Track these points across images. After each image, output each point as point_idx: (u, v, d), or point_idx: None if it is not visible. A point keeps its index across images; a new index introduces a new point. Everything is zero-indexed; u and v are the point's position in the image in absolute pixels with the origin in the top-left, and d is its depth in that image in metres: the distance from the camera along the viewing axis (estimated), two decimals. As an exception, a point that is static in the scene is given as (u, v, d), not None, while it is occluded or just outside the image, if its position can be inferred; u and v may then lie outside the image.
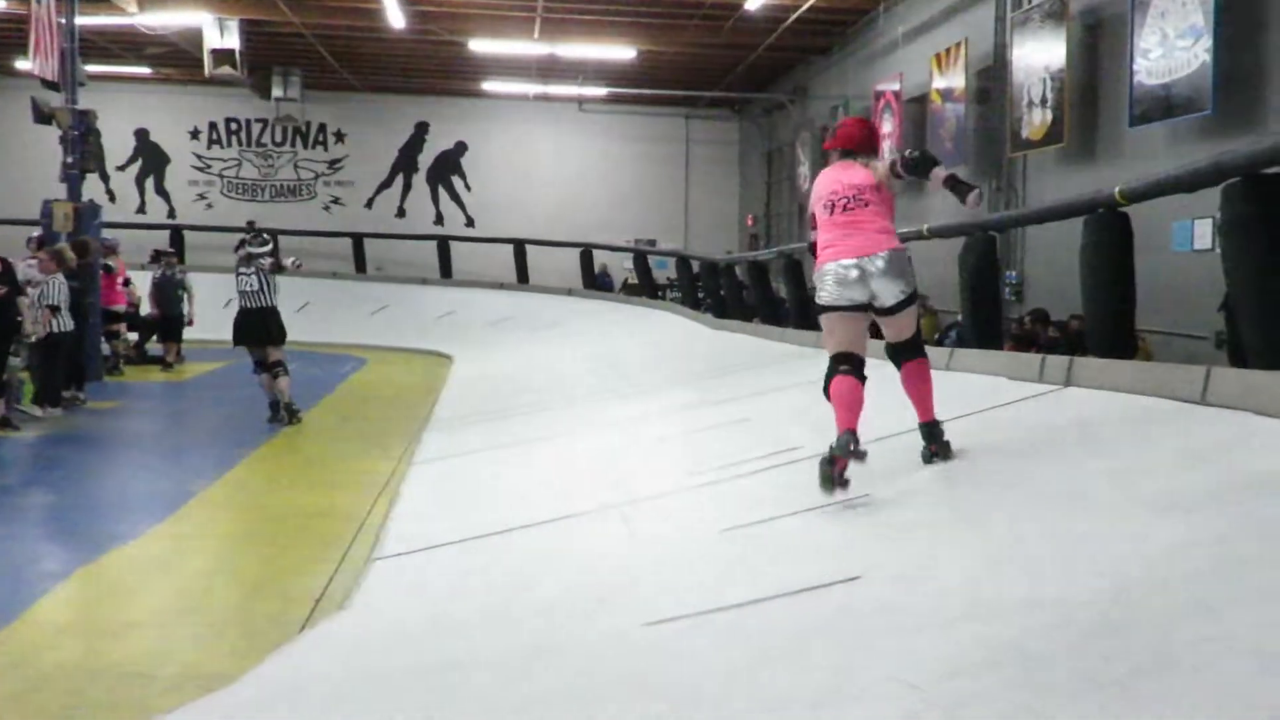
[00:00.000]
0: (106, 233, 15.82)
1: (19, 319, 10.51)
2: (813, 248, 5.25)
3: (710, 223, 26.63)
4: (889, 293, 5.05)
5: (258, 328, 11.12)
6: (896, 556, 4.00)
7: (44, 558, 6.46)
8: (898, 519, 4.52)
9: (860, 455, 4.86)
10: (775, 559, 4.37)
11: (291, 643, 4.80)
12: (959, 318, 11.40)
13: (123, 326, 15.69)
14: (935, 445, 5.30)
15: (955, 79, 15.77)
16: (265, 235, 12.00)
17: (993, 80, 15.07)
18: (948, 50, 15.96)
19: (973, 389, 6.61)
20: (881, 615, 3.26)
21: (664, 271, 23.40)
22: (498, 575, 5.36)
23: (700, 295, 18.11)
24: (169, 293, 15.84)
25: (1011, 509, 4.31)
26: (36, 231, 14.16)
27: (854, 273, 5.01)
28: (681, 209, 26.87)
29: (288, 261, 11.36)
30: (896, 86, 17.74)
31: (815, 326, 12.95)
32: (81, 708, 4.33)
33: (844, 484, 4.87)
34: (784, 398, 8.52)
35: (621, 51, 20.82)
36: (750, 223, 26.12)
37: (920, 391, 5.27)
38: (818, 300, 5.19)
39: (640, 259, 21.57)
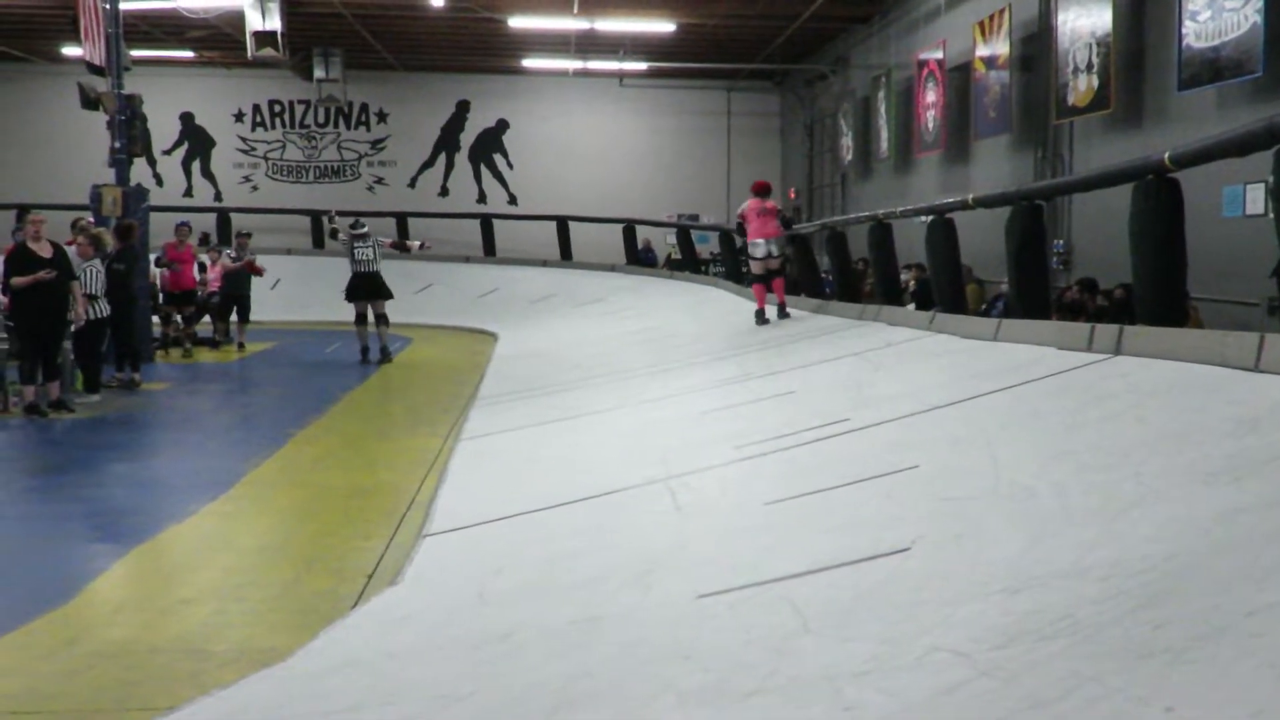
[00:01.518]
0: (171, 216, 16.00)
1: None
2: (743, 232, 12.41)
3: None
4: (777, 252, 12.08)
5: (371, 288, 14.96)
6: (944, 527, 3.99)
7: (100, 536, 6.57)
8: (945, 490, 4.51)
9: (765, 321, 12.17)
10: (823, 531, 4.37)
11: (345, 618, 4.86)
12: (1004, 287, 11.31)
13: (180, 308, 15.85)
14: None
15: (999, 46, 15.59)
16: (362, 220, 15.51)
17: (1037, 46, 14.89)
18: (991, 17, 15.77)
19: (1021, 358, 6.56)
20: (929, 586, 3.26)
21: (706, 246, 23.35)
22: (546, 549, 5.39)
23: (744, 269, 18.06)
24: (237, 274, 15.99)
25: (1060, 478, 4.28)
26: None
27: (766, 246, 12.11)
28: (724, 183, 26.77)
29: (414, 243, 16.07)
30: (939, 55, 17.56)
31: (860, 298, 12.90)
32: (139, 682, 4.41)
33: (765, 322, 11.97)
34: (828, 370, 8.50)
35: (661, 25, 20.73)
36: (793, 195, 26.01)
37: (779, 290, 12.31)
38: (751, 253, 12.31)
39: (683, 234, 21.55)
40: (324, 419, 10.47)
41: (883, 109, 19.94)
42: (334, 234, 15.03)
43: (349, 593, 5.30)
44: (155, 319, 15.43)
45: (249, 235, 17.69)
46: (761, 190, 12.42)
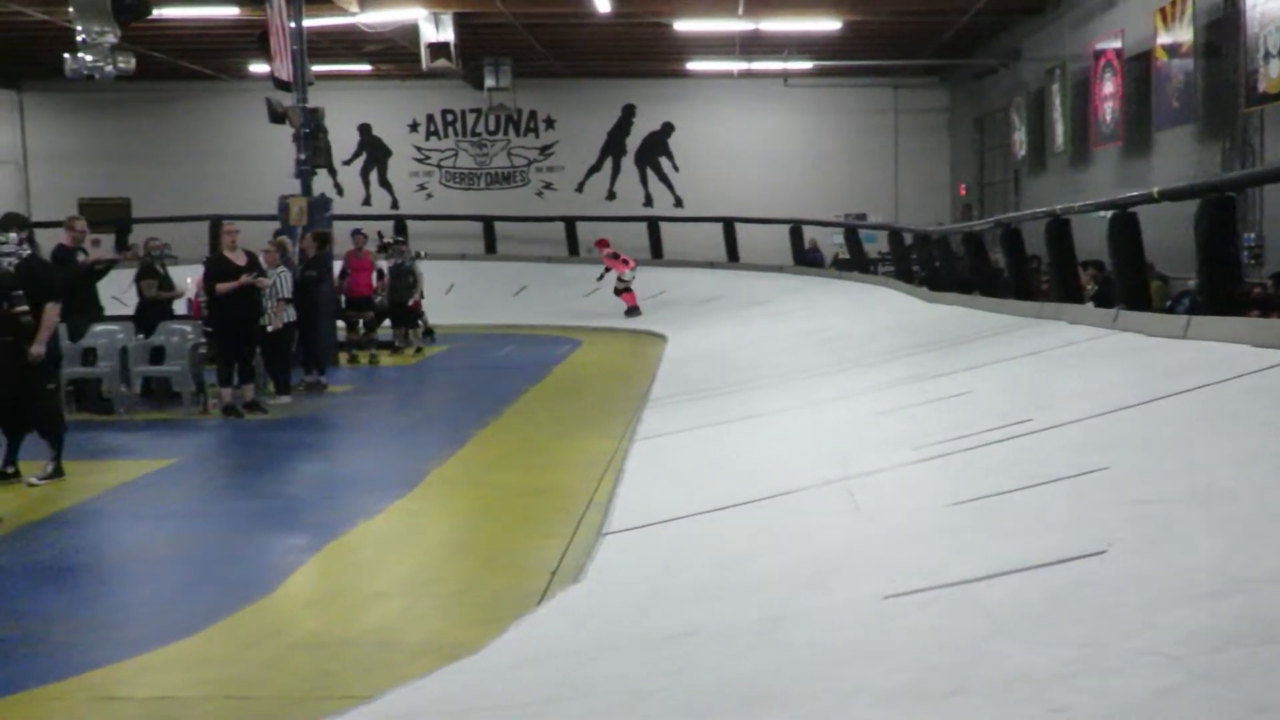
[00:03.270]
0: (345, 224, 16.56)
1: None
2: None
3: (920, 194, 26.10)
4: None
5: None
6: (1139, 530, 3.89)
7: (296, 532, 6.86)
8: (1138, 492, 4.38)
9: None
10: (1009, 533, 4.30)
11: (531, 613, 4.99)
12: (1190, 284, 10.89)
13: (361, 314, 16.39)
14: None
15: (1182, 33, 15.00)
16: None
17: (1223, 32, 14.28)
18: (1173, 3, 15.19)
19: (1213, 356, 6.32)
20: (1128, 589, 3.18)
21: (874, 245, 23.08)
22: (725, 548, 5.42)
23: (913, 268, 17.79)
24: (400, 279, 16.49)
25: (1260, 479, 4.12)
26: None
27: None
28: (891, 181, 26.41)
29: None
30: (1117, 44, 16.98)
31: (1035, 297, 12.58)
32: (337, 672, 4.61)
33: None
34: (1005, 370, 8.32)
35: (826, 23, 20.57)
36: (963, 192, 25.49)
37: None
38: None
39: (851, 233, 21.33)
40: (501, 420, 10.71)
41: (1057, 102, 19.39)
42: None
43: (533, 589, 5.43)
44: (340, 324, 15.99)
45: (403, 240, 18.14)
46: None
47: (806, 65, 23.92)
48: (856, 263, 20.90)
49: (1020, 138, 21.39)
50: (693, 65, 24.53)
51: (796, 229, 22.70)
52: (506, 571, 5.92)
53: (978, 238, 14.94)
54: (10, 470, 8.04)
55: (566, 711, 3.61)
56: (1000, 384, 7.84)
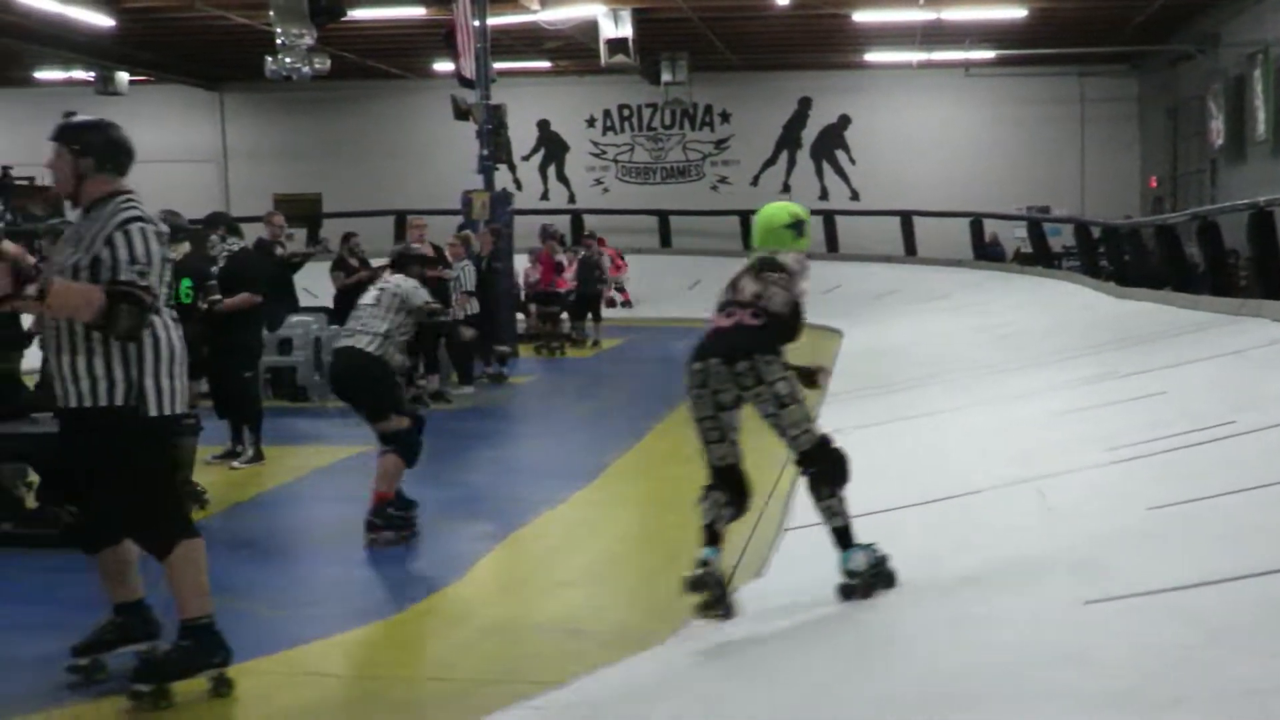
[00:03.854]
0: (524, 220, 16.85)
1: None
2: None
3: (1108, 186, 25.19)
4: None
5: None
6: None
7: (481, 520, 7.04)
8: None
9: None
10: (1215, 539, 4.13)
11: (714, 606, 5.00)
12: None
13: (542, 307, 16.71)
14: None
15: (1400, 14, 14.14)
16: None
17: None
18: (1390, -18, 14.33)
19: None
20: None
21: (1059, 239, 22.39)
22: (910, 547, 5.35)
23: (1101, 263, 17.20)
24: (588, 273, 16.73)
25: None
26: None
27: None
28: (1076, 173, 25.57)
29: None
30: (1327, 27, 16.12)
31: (1234, 293, 12.03)
32: (526, 658, 4.72)
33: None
34: (1202, 370, 7.99)
35: (1010, 11, 20.04)
36: (1153, 184, 24.51)
37: None
38: None
39: (1034, 226, 20.72)
40: (678, 413, 10.73)
41: (1259, 88, 18.47)
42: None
43: (715, 582, 5.45)
44: (520, 316, 16.33)
45: (592, 235, 18.39)
46: None
47: (989, 54, 23.34)
48: (1040, 257, 20.33)
49: (1218, 126, 20.45)
50: (871, 56, 24.20)
51: (977, 222, 22.19)
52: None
53: (1171, 231, 14.37)
54: (239, 450, 8.44)
55: (754, 706, 3.62)
56: (1198, 384, 7.54)
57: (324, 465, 8.64)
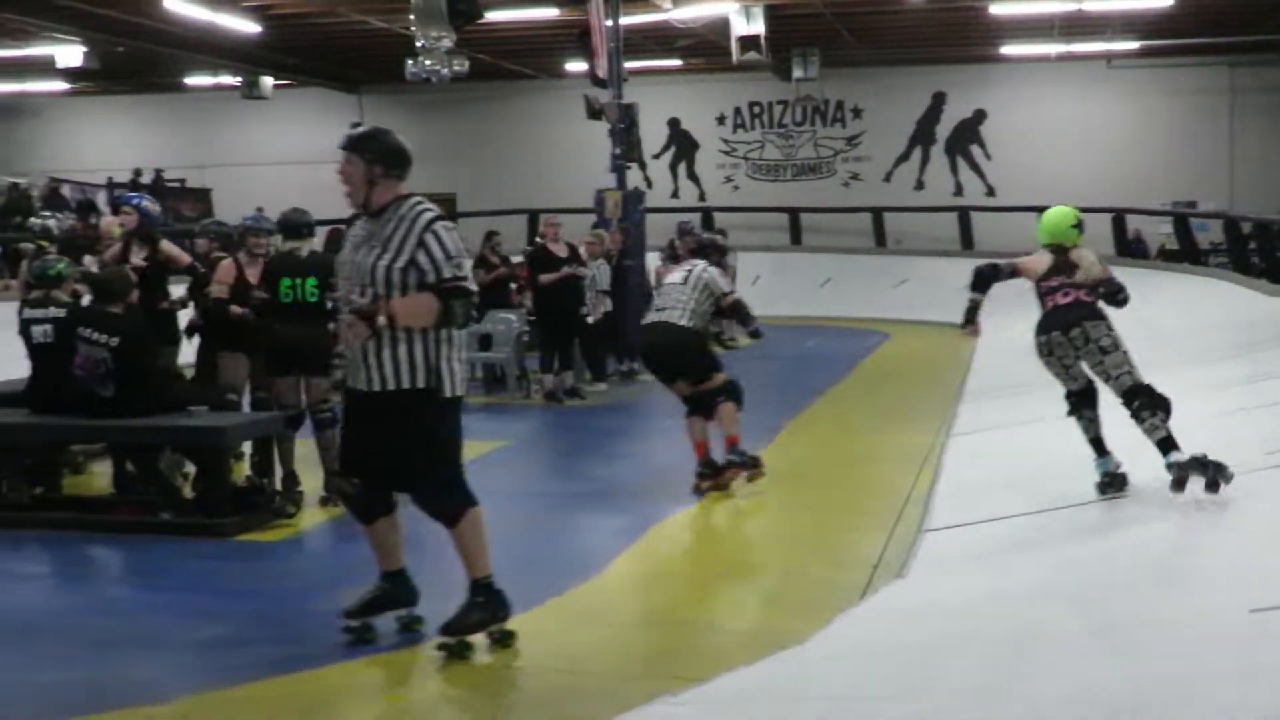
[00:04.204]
0: (655, 218, 16.88)
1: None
2: None
3: (1258, 180, 24.20)
4: None
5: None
6: None
7: (619, 515, 7.07)
8: None
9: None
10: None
11: (855, 607, 4.97)
12: None
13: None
14: None
15: None
16: None
17: None
18: None
19: None
20: None
21: (1206, 235, 21.63)
22: (1058, 552, 5.25)
23: (1252, 260, 16.55)
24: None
25: None
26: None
27: None
28: (1225, 166, 24.65)
29: None
30: None
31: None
32: (667, 653, 4.74)
33: None
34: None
35: (1156, 0, 19.42)
36: (1307, 177, 23.51)
37: None
38: None
39: (1180, 222, 20.05)
40: (811, 411, 10.72)
41: None
42: None
43: (854, 582, 5.40)
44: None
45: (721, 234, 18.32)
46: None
47: (1132, 45, 22.65)
48: (1186, 254, 19.67)
49: (1379, 116, 19.54)
50: (1007, 49, 23.67)
51: (1119, 218, 21.55)
52: (826, 563, 5.93)
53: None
54: None
55: (900, 710, 3.59)
56: (1362, 386, 7.22)
57: (468, 459, 8.74)
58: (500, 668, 4.54)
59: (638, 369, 13.24)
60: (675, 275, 7.79)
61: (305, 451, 7.42)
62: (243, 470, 7.49)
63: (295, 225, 7.41)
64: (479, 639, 4.61)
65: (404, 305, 4.40)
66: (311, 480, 7.30)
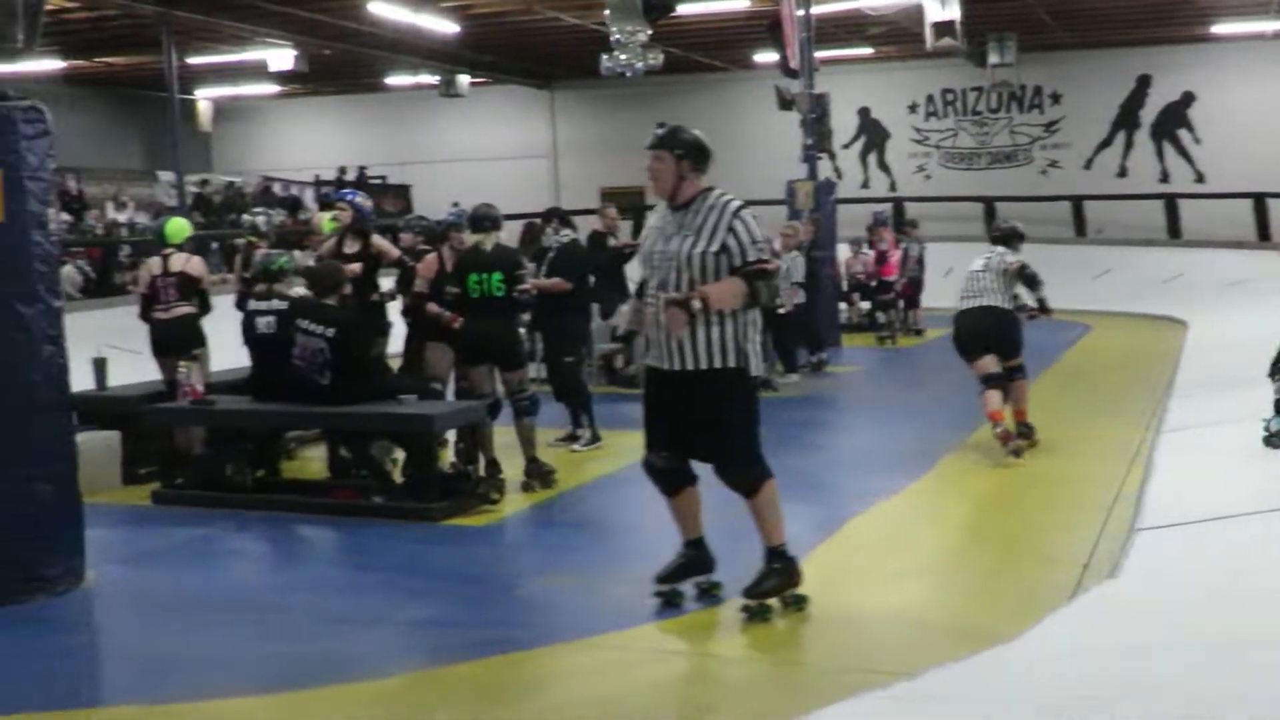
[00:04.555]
0: (845, 209, 16.76)
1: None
2: None
3: None
4: None
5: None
6: None
7: (815, 507, 7.01)
8: None
9: None
10: None
11: (1065, 606, 4.84)
12: None
13: (869, 297, 16.57)
14: None
15: None
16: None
17: None
18: None
19: None
20: None
21: None
22: (1269, 557, 5.00)
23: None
24: (911, 263, 16.48)
25: None
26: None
27: None
28: None
29: None
30: None
31: None
32: (870, 647, 4.70)
33: None
34: None
35: (1387, -29, 18.24)
36: None
37: None
38: None
39: None
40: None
41: None
42: None
43: (1063, 581, 5.25)
44: (842, 306, 16.23)
45: (913, 224, 18.02)
46: None
47: (1359, 20, 21.33)
48: None
49: None
50: (1219, 28, 22.56)
51: (1341, 204, 20.34)
52: (1032, 561, 5.79)
53: None
54: (578, 434, 8.82)
55: (1124, 715, 3.48)
56: None
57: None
58: (701, 656, 4.58)
59: (827, 360, 13.16)
60: (977, 263, 8.40)
61: (506, 440, 7.61)
62: (446, 457, 7.72)
63: (481, 219, 7.59)
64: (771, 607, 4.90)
65: (716, 290, 4.73)
66: (512, 467, 7.49)
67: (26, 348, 5.34)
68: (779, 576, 4.94)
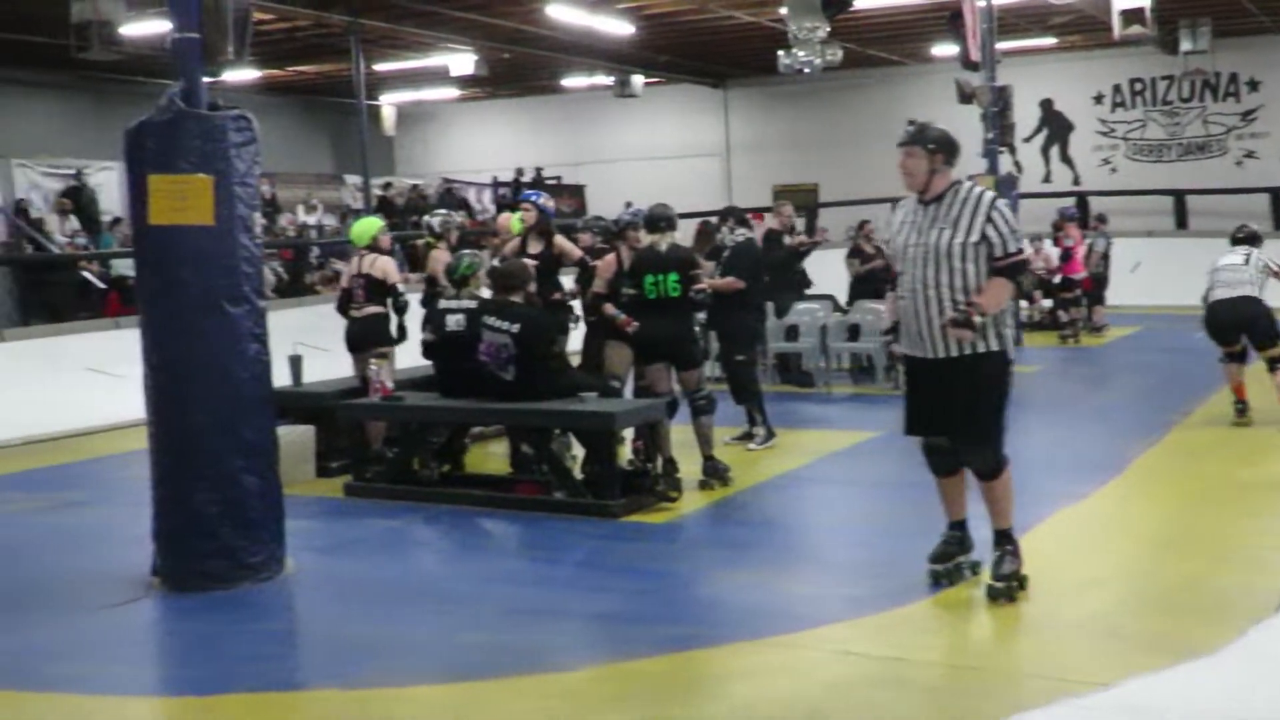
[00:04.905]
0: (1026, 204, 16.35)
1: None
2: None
3: None
4: None
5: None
6: None
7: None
8: None
9: None
10: None
11: (1272, 618, 4.63)
12: None
13: (1053, 294, 16.14)
14: None
15: None
16: None
17: None
18: None
19: None
20: None
21: None
22: None
23: None
24: (1095, 258, 15.98)
25: None
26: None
27: None
28: None
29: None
30: None
31: None
32: (1062, 654, 4.56)
33: None
34: None
35: None
36: None
37: None
38: None
39: None
40: (1205, 408, 10.00)
41: None
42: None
43: (1267, 590, 5.03)
44: (1023, 304, 15.82)
45: (1103, 219, 17.45)
46: None
47: None
48: None
49: None
50: None
51: None
52: (1232, 569, 5.55)
53: None
54: (754, 432, 8.84)
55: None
56: None
57: (835, 450, 8.81)
58: (886, 659, 4.53)
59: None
60: (1234, 258, 9.09)
61: (682, 438, 7.65)
62: (623, 454, 7.82)
63: (657, 220, 7.64)
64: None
65: (990, 300, 4.97)
66: (689, 465, 7.53)
67: (234, 346, 5.60)
68: (1014, 557, 5.15)
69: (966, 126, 16.35)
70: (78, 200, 17.72)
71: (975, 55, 14.88)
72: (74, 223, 17.25)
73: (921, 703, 4.17)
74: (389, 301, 8.49)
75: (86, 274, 15.17)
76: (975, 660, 4.56)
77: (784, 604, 5.29)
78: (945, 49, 19.47)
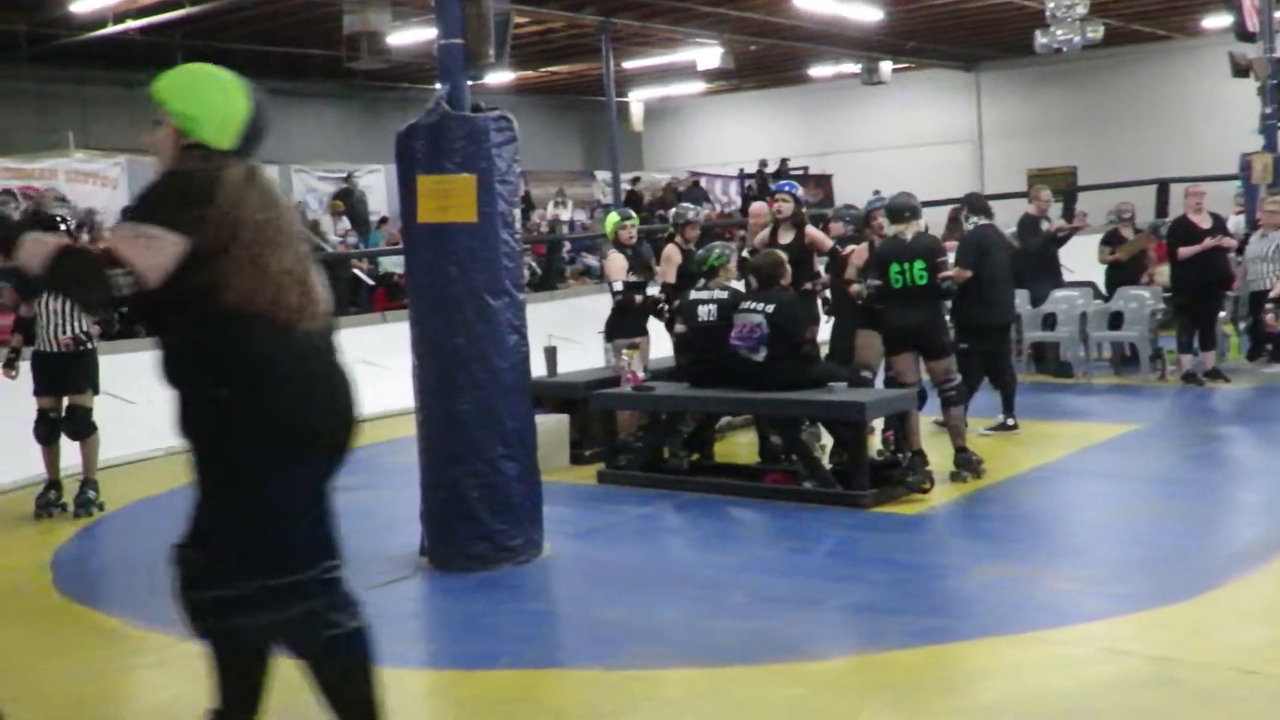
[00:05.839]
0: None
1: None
2: None
3: None
4: None
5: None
6: None
7: (1245, 532, 6.36)
8: None
9: None
10: None
11: None
12: None
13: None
14: None
15: None
16: None
17: None
18: None
19: None
20: None
21: None
22: None
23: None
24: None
25: None
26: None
27: None
28: None
29: None
30: None
31: None
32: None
33: None
34: None
35: None
36: None
37: None
38: None
39: None
40: None
41: None
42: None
43: None
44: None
45: None
46: None
47: None
48: None
49: None
50: None
51: None
52: None
53: None
54: (1009, 423, 8.64)
55: None
56: None
57: (1093, 443, 8.45)
58: (1152, 659, 4.34)
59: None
60: None
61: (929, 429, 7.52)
62: (872, 444, 7.73)
63: (900, 209, 7.51)
64: None
65: None
66: (938, 456, 7.39)
67: (495, 337, 5.84)
68: None
69: (1241, 102, 15.44)
70: (348, 201, 18.76)
71: (1252, 25, 14.00)
72: (345, 223, 18.27)
73: (1197, 706, 3.97)
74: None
75: (357, 271, 16.03)
76: (1254, 665, 4.30)
77: (1044, 598, 5.13)
78: (1217, 20, 18.39)
